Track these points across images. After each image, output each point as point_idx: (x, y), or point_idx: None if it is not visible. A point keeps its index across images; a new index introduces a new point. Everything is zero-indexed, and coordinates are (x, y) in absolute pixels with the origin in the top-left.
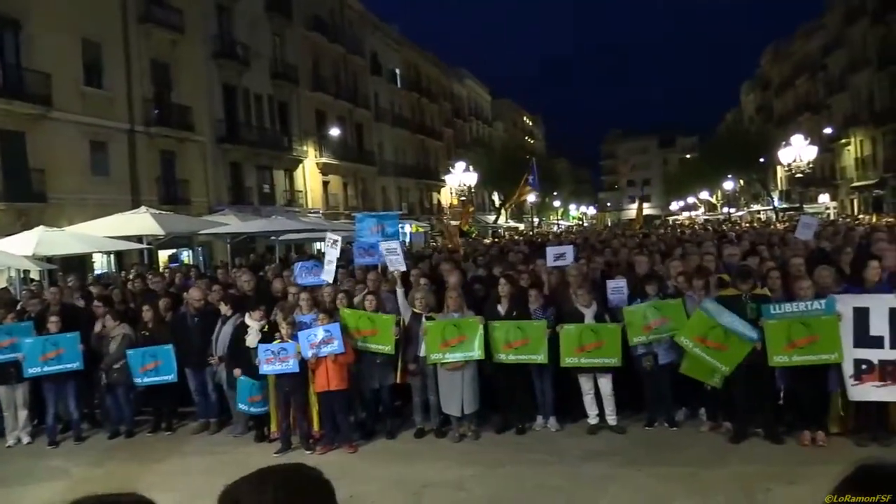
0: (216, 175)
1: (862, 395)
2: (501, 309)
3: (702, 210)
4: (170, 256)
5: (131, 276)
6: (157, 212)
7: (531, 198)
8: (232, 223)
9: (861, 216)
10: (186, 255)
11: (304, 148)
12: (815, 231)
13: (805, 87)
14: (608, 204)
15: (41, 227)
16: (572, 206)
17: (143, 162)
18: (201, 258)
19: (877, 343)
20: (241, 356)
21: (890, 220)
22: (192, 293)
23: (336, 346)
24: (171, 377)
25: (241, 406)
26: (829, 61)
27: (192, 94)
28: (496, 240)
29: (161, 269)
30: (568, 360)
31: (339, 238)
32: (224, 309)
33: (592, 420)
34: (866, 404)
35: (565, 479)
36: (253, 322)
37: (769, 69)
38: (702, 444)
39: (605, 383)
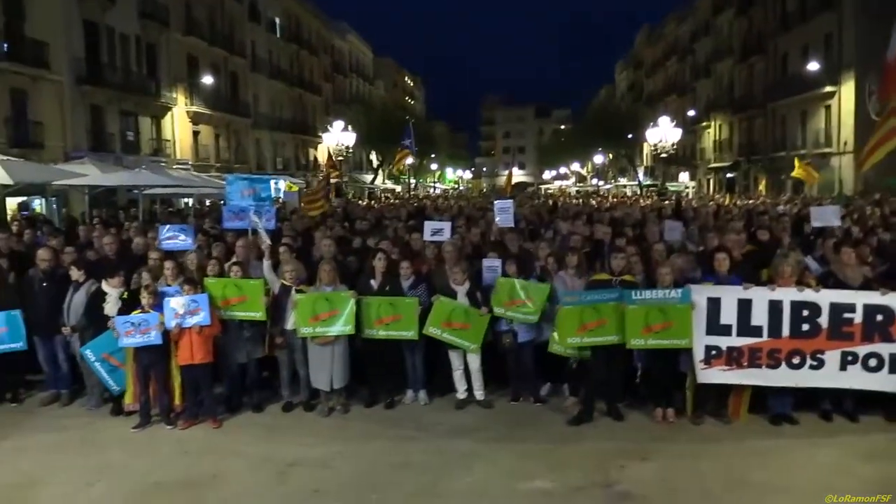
0: (74, 119)
1: (709, 378)
2: (374, 283)
3: (572, 180)
4: (19, 205)
5: None
6: (6, 158)
7: (408, 160)
8: (91, 174)
9: (716, 196)
10: (38, 204)
11: (174, 95)
12: (681, 231)
13: (674, 69)
14: (484, 169)
15: None
16: (449, 170)
17: None
18: (55, 207)
19: (725, 331)
20: (98, 325)
21: (740, 202)
22: (41, 254)
23: (202, 317)
24: (19, 345)
25: (90, 356)
26: (697, 47)
27: (49, 29)
28: (372, 202)
29: (10, 220)
30: (431, 330)
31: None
32: (76, 274)
33: (461, 395)
34: (707, 387)
35: (431, 455)
36: (111, 289)
37: (642, 49)
38: (563, 419)
39: (474, 359)
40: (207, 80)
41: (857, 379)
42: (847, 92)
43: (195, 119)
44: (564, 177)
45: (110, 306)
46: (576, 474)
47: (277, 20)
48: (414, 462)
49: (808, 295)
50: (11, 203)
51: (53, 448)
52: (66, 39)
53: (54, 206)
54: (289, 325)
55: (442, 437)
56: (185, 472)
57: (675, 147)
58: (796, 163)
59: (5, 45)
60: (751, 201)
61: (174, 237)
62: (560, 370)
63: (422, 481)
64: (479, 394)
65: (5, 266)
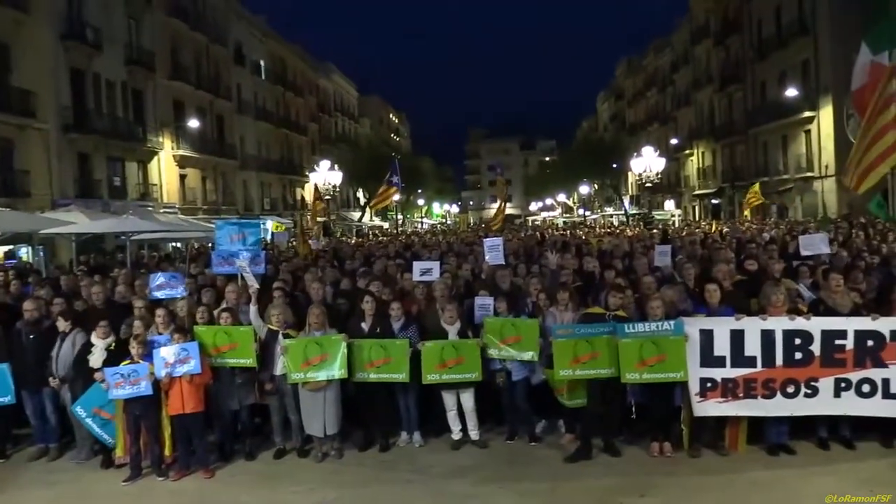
0: (61, 166)
1: (705, 411)
2: (365, 326)
3: (559, 211)
4: (6, 253)
5: None
6: None
7: (395, 197)
8: (79, 221)
9: (702, 223)
10: (25, 253)
11: (160, 139)
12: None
13: (655, 99)
14: (471, 203)
15: None
16: (436, 205)
17: None
18: (42, 255)
19: (720, 363)
20: (87, 377)
21: (726, 228)
22: (27, 305)
23: (193, 365)
24: (7, 399)
25: (80, 412)
26: (677, 77)
27: (36, 78)
28: (360, 240)
29: None
30: (430, 377)
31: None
32: (63, 325)
33: (456, 435)
34: (704, 419)
35: (429, 498)
36: (98, 340)
37: (623, 81)
38: (560, 456)
39: (467, 398)
40: (193, 123)
41: (851, 405)
42: (826, 116)
43: (182, 162)
44: (551, 208)
45: (96, 358)
46: None
47: (262, 62)
48: None
49: (800, 323)
50: None
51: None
52: (53, 88)
53: (41, 253)
54: (278, 371)
55: (439, 479)
56: None
57: (659, 176)
58: (754, 189)
59: None
60: (737, 226)
61: (165, 285)
62: (555, 406)
63: None
64: (473, 434)
65: None
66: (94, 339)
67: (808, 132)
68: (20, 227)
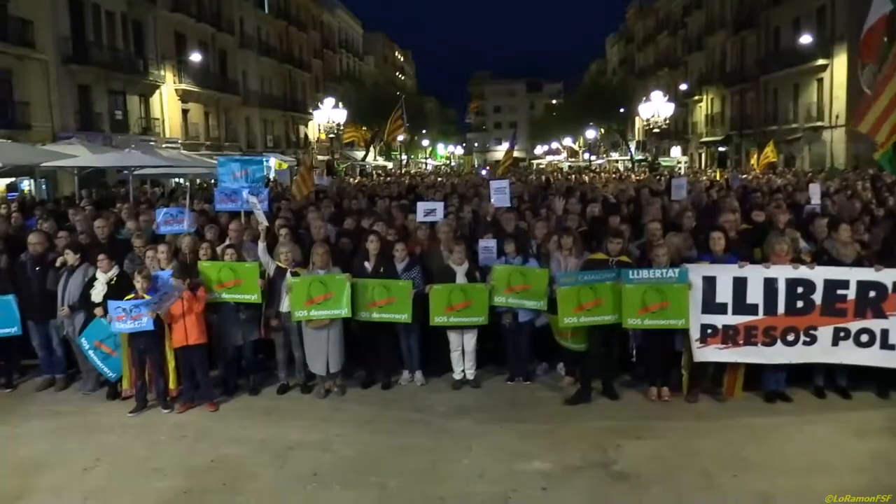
0: (62, 98)
1: (705, 357)
2: (369, 265)
3: (564, 155)
4: (8, 186)
5: None
6: None
7: (400, 137)
8: (81, 155)
9: (708, 170)
10: (27, 185)
11: (162, 73)
12: (687, 189)
13: (665, 43)
14: (475, 144)
15: None
16: (440, 146)
17: None
18: (44, 188)
19: (721, 309)
20: (91, 310)
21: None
22: (31, 238)
23: (145, 322)
24: (14, 330)
25: (84, 344)
26: (689, 21)
27: (33, 7)
28: (363, 179)
29: None
30: (437, 320)
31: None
32: (71, 258)
33: (458, 375)
34: (702, 365)
35: (430, 437)
36: (101, 274)
37: (633, 23)
38: (559, 399)
39: (469, 339)
40: (196, 57)
41: (848, 354)
42: (839, 65)
43: (184, 97)
44: (556, 152)
45: (97, 291)
46: (573, 454)
47: None
48: (413, 444)
49: (803, 272)
50: (0, 185)
51: (50, 434)
52: (52, 17)
53: (43, 186)
54: (284, 308)
55: (440, 418)
56: (184, 457)
57: (667, 121)
58: (769, 148)
59: None
60: (744, 175)
61: (172, 221)
62: (555, 349)
63: (421, 463)
64: (470, 373)
65: None
66: (98, 272)
67: (820, 81)
68: (22, 159)
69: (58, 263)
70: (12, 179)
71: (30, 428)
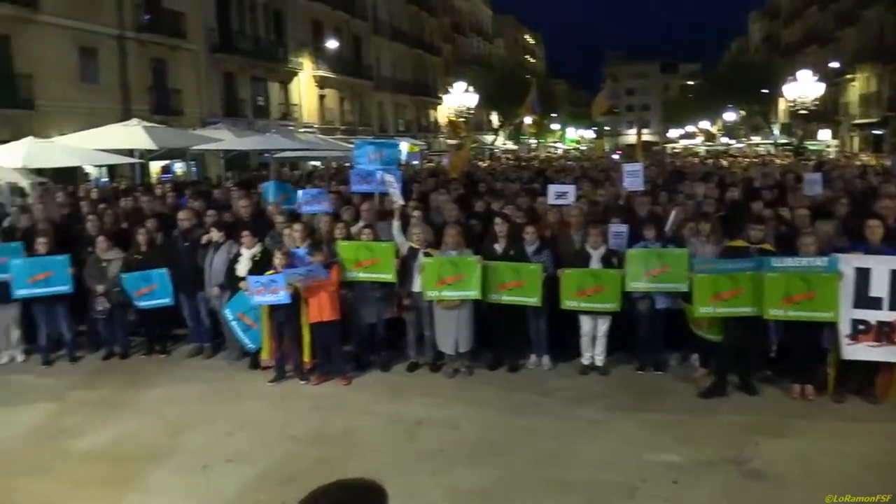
0: (209, 86)
1: (855, 355)
2: (498, 248)
3: (700, 139)
4: (162, 167)
5: (122, 187)
6: (150, 125)
7: (527, 120)
8: (227, 139)
9: (862, 155)
10: (180, 167)
11: (300, 60)
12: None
13: (814, 18)
14: (606, 128)
15: (30, 139)
16: (570, 130)
17: (134, 70)
18: (194, 170)
19: (875, 304)
20: (236, 284)
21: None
22: (181, 214)
23: (281, 296)
24: (167, 300)
25: (228, 315)
26: None
27: (184, 0)
28: (492, 163)
29: (154, 182)
30: (568, 304)
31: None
32: (216, 235)
33: (586, 360)
34: (853, 364)
35: (555, 421)
36: (245, 250)
37: None
38: (692, 391)
39: (602, 324)
40: (332, 44)
41: None
42: None
43: (321, 83)
44: (691, 135)
45: (241, 267)
46: (706, 449)
47: None
48: (538, 427)
49: None
50: (155, 166)
51: (197, 398)
52: (201, 9)
53: (193, 168)
54: (416, 288)
55: (566, 404)
56: (319, 427)
57: (816, 102)
58: None
59: (146, 17)
60: None
61: (313, 201)
62: (689, 339)
63: (546, 447)
64: (599, 359)
65: (153, 227)
66: (242, 248)
67: None
68: (176, 142)
69: (203, 240)
70: (167, 162)
71: (180, 391)
